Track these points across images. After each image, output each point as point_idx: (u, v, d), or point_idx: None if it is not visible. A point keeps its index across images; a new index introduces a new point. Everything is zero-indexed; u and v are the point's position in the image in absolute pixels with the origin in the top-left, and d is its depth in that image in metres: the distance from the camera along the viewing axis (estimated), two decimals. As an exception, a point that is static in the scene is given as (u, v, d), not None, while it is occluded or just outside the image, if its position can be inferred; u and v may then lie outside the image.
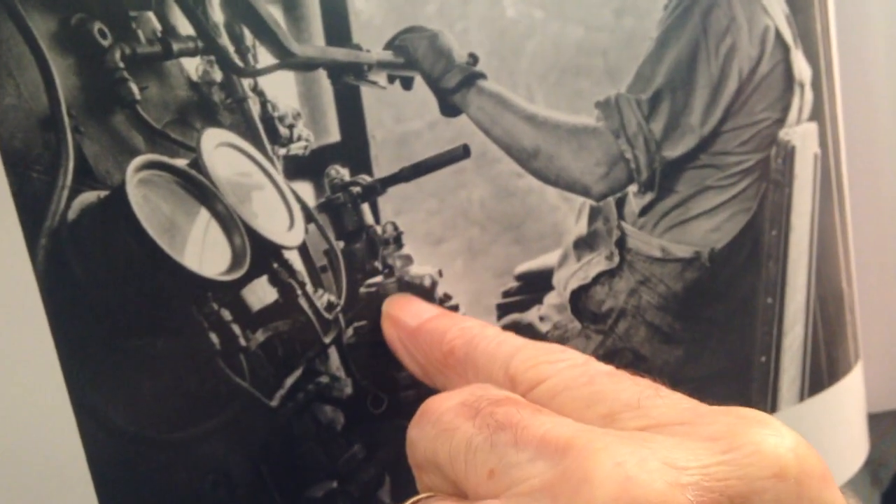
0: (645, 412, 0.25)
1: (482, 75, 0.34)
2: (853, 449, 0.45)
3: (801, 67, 0.39)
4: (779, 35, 0.38)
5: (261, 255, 0.31)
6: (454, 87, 0.33)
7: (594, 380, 0.26)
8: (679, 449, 0.22)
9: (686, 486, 0.21)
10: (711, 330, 0.39)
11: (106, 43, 0.28)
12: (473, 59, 0.33)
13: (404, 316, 0.33)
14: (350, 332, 0.33)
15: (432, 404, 0.28)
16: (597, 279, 0.37)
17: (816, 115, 0.41)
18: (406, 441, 0.29)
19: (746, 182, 0.38)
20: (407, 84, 0.33)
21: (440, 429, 0.27)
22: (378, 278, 0.34)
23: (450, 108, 0.34)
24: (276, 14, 0.30)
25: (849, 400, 0.44)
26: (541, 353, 0.29)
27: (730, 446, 0.22)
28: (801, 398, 0.41)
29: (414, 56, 0.33)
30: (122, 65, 0.28)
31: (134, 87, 0.29)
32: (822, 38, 0.41)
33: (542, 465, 0.23)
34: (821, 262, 0.41)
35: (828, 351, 0.42)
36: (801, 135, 0.40)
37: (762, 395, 0.40)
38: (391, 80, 0.33)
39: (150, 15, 0.29)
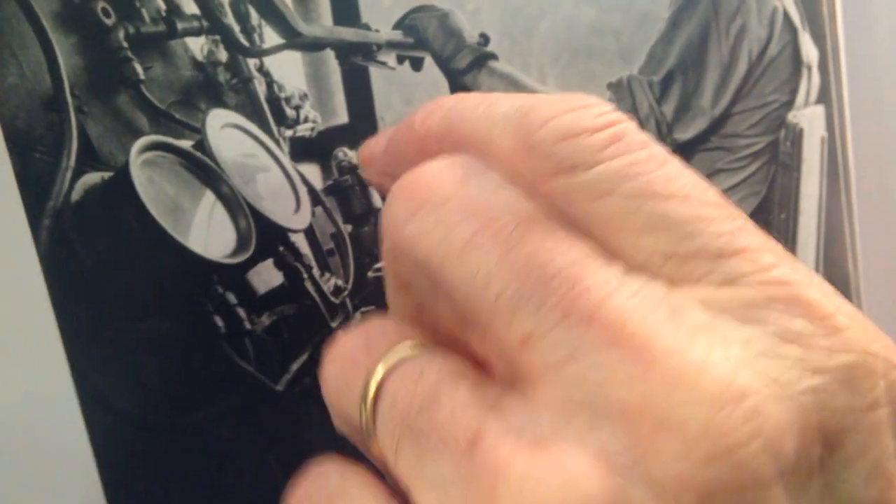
0: (727, 265, 0.19)
1: (493, 56, 0.33)
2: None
3: (809, 49, 0.39)
4: (787, 17, 0.38)
5: (266, 238, 0.31)
6: (465, 67, 0.33)
7: (654, 186, 0.19)
8: (777, 359, 0.18)
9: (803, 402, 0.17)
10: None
11: (110, 22, 0.28)
12: (485, 39, 0.33)
13: (370, 147, 0.26)
14: (357, 316, 0.33)
15: (428, 178, 0.21)
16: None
17: (823, 97, 0.41)
18: (384, 218, 0.21)
19: (756, 165, 0.38)
20: (417, 65, 0.33)
21: (449, 235, 0.20)
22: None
23: (460, 90, 0.33)
24: (282, -8, 0.30)
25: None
26: (569, 109, 0.20)
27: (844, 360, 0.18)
28: (809, 383, 0.41)
29: (424, 36, 0.32)
30: (125, 44, 0.28)
31: (138, 67, 0.28)
32: (828, 20, 0.41)
33: (611, 364, 0.18)
34: (828, 245, 0.41)
35: (835, 335, 0.42)
36: (808, 117, 0.39)
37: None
38: (400, 60, 0.33)
39: (155, -7, 0.28)
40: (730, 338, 0.18)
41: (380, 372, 0.20)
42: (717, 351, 0.18)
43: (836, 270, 0.42)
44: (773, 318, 0.18)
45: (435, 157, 0.21)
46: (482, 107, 0.22)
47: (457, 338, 0.21)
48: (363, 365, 0.21)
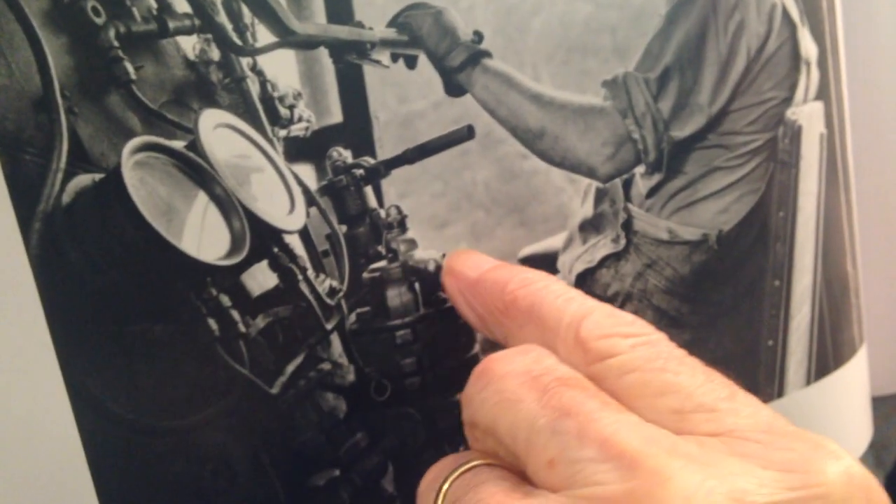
0: (719, 417, 0.25)
1: (488, 54, 0.33)
2: (857, 432, 0.45)
3: (808, 46, 0.39)
4: (786, 12, 0.38)
5: (261, 239, 0.31)
6: (459, 65, 0.33)
7: (668, 366, 0.26)
8: (749, 478, 0.23)
9: None
10: (719, 313, 0.39)
11: (100, 21, 0.27)
12: (479, 36, 0.33)
13: (464, 268, 0.32)
14: (353, 318, 0.33)
15: (494, 365, 0.28)
16: (602, 262, 0.37)
17: (822, 94, 0.40)
18: (462, 397, 0.28)
19: (755, 163, 0.38)
20: (411, 63, 0.33)
21: (502, 396, 0.26)
22: (381, 263, 0.33)
23: (454, 88, 0.33)
24: (275, -10, 0.30)
25: (853, 383, 0.44)
26: (614, 322, 0.28)
27: (802, 483, 0.23)
28: (808, 382, 0.41)
29: (418, 34, 0.32)
30: (116, 43, 0.28)
31: (129, 67, 0.28)
32: (827, 16, 0.41)
33: (606, 471, 0.23)
34: (827, 243, 0.41)
35: (833, 334, 0.42)
36: (807, 114, 0.39)
37: (769, 379, 0.40)
38: (394, 58, 0.32)
39: (146, -9, 0.28)
40: (716, 464, 0.23)
41: (444, 487, 0.27)
42: (725, 482, 0.22)
43: (834, 269, 0.42)
44: (773, 456, 0.23)
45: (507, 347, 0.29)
46: (560, 299, 0.29)
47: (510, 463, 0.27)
48: (434, 484, 0.27)
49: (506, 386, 0.27)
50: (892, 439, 0.53)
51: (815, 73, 0.40)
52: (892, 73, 0.51)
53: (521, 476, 0.26)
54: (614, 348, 0.27)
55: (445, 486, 0.27)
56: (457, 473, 0.27)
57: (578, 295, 0.29)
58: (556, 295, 0.29)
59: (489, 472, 0.27)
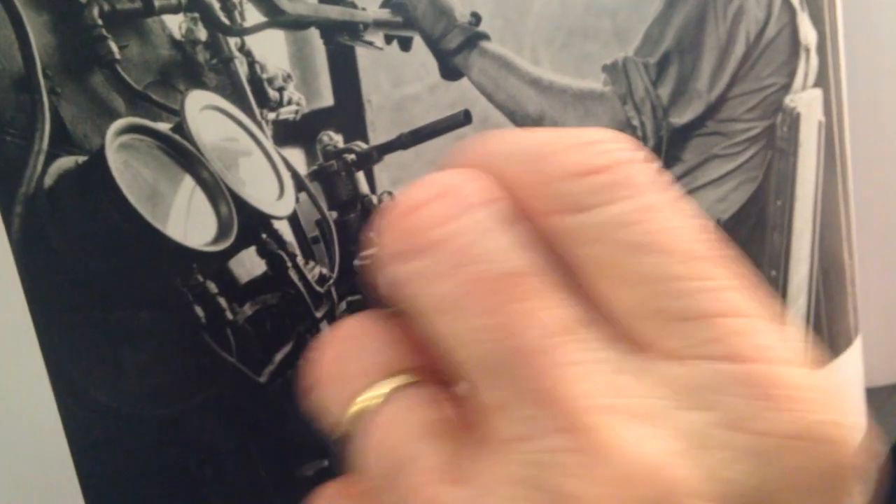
0: (704, 333, 0.19)
1: (485, 36, 0.33)
2: (853, 423, 0.45)
3: (807, 31, 0.39)
4: (786, -3, 0.38)
5: (248, 224, 0.30)
6: (455, 48, 0.32)
7: (650, 236, 0.20)
8: (701, 449, 0.19)
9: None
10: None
11: (83, -2, 0.27)
12: (476, 18, 0.32)
13: None
14: (343, 306, 0.33)
15: (420, 220, 0.21)
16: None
17: (821, 81, 0.40)
18: (372, 253, 0.22)
19: (753, 150, 0.37)
20: (405, 45, 0.32)
21: (439, 287, 0.21)
22: (373, 250, 0.33)
23: (451, 71, 0.33)
24: (265, -32, 0.29)
25: (849, 374, 0.44)
26: (583, 147, 0.21)
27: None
28: (804, 372, 0.41)
29: (413, 15, 0.32)
30: (100, 22, 0.27)
31: (113, 46, 0.28)
32: (827, 1, 0.41)
33: (550, 434, 0.19)
34: (824, 233, 0.41)
35: (829, 325, 0.42)
36: (806, 102, 0.39)
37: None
38: (388, 40, 0.32)
39: (131, -32, 0.28)
40: (676, 427, 0.19)
41: (364, 405, 0.22)
42: (659, 444, 0.19)
43: (831, 258, 0.42)
44: (723, 402, 0.19)
45: (434, 180, 0.22)
46: (511, 143, 0.22)
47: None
48: (352, 386, 0.22)
49: (440, 268, 0.21)
50: (887, 429, 0.53)
51: (814, 60, 0.39)
52: (891, 60, 0.51)
53: (451, 391, 0.22)
54: (578, 197, 0.21)
55: (353, 411, 0.22)
56: (374, 400, 0.22)
57: (536, 132, 0.23)
58: (510, 139, 0.23)
59: (417, 408, 0.21)
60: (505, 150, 0.22)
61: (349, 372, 0.23)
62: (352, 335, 0.23)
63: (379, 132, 0.32)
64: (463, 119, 0.33)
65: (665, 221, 0.20)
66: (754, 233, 0.38)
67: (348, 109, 0.32)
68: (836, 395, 0.20)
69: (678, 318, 0.20)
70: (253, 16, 0.30)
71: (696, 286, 0.20)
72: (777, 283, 0.39)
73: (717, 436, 0.19)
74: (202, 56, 0.29)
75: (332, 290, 0.33)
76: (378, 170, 0.33)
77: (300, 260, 0.32)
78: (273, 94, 0.30)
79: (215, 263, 0.30)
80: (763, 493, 0.19)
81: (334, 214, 0.33)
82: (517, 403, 0.20)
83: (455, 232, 0.21)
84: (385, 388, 0.22)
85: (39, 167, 0.27)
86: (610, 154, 0.21)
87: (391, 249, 0.21)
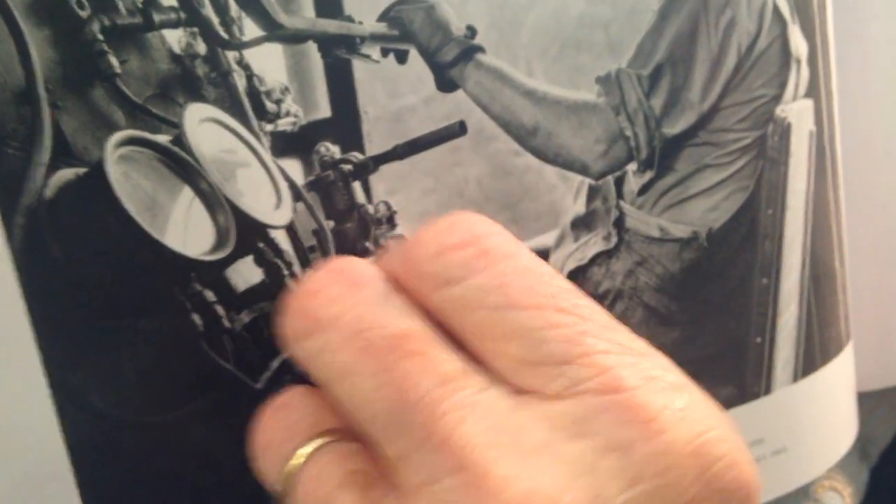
0: (568, 373, 0.21)
1: (481, 49, 0.33)
2: (844, 429, 0.45)
3: (798, 43, 0.39)
4: (777, 9, 0.38)
5: (246, 234, 0.30)
6: (451, 60, 0.32)
7: (512, 298, 0.22)
8: (572, 473, 0.20)
9: None
10: (707, 311, 0.38)
11: (84, 14, 0.27)
12: (472, 31, 0.32)
13: None
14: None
15: (314, 304, 0.24)
16: (594, 260, 0.36)
17: (812, 91, 0.40)
18: (280, 333, 0.25)
19: (744, 160, 0.38)
20: (401, 58, 0.32)
21: (332, 361, 0.23)
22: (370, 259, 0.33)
23: (446, 83, 0.33)
24: (263, -17, 0.29)
25: (840, 380, 0.44)
26: (445, 229, 0.24)
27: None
28: (795, 379, 0.41)
29: (409, 28, 0.32)
30: (101, 37, 0.27)
31: (114, 60, 0.28)
32: (818, 12, 0.41)
33: (459, 489, 0.20)
34: (815, 241, 0.41)
35: (820, 331, 0.42)
36: (797, 112, 0.39)
37: (757, 377, 0.40)
38: (385, 53, 0.32)
39: (131, -17, 0.28)
40: (561, 457, 0.20)
41: (292, 465, 0.24)
42: (547, 475, 0.20)
43: (822, 267, 0.42)
44: (601, 429, 0.21)
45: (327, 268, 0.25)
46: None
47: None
48: (282, 450, 0.24)
49: (335, 342, 0.23)
50: (877, 433, 0.54)
51: (804, 71, 0.39)
52: (882, 71, 0.51)
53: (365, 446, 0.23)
54: (449, 271, 0.23)
55: (288, 470, 0.24)
56: (302, 457, 0.24)
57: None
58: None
59: (341, 467, 0.23)
60: (388, 256, 0.25)
61: (278, 439, 0.25)
62: (282, 405, 0.26)
63: (375, 143, 0.32)
64: (458, 130, 0.33)
65: (530, 280, 0.23)
66: (746, 241, 0.39)
67: (345, 121, 0.32)
68: (716, 411, 0.22)
69: (556, 362, 0.22)
70: (251, 30, 0.30)
71: (568, 332, 0.22)
72: (768, 291, 0.40)
73: (600, 461, 0.20)
74: (201, 69, 0.29)
75: (329, 298, 0.33)
76: (374, 180, 0.33)
77: (297, 268, 0.32)
78: (271, 106, 0.31)
79: (213, 272, 0.30)
80: None
81: (331, 224, 0.33)
82: (415, 452, 0.21)
83: (346, 307, 0.23)
84: (309, 448, 0.24)
85: (40, 179, 0.27)
86: (466, 231, 0.23)
87: (293, 330, 0.24)
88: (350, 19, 0.31)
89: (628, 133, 0.35)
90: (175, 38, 0.29)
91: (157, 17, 0.28)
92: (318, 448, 0.24)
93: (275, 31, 0.30)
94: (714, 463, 0.20)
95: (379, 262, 0.25)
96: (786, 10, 0.38)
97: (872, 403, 0.53)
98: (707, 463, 0.20)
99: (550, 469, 0.20)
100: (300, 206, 0.32)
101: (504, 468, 0.20)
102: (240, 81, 0.30)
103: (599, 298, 0.37)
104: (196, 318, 0.30)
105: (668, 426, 0.20)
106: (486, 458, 0.20)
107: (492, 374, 0.23)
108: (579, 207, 0.36)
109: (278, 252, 0.31)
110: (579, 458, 0.20)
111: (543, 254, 0.36)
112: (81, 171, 0.27)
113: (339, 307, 0.23)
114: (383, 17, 0.31)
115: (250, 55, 0.30)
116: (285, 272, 0.31)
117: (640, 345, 0.23)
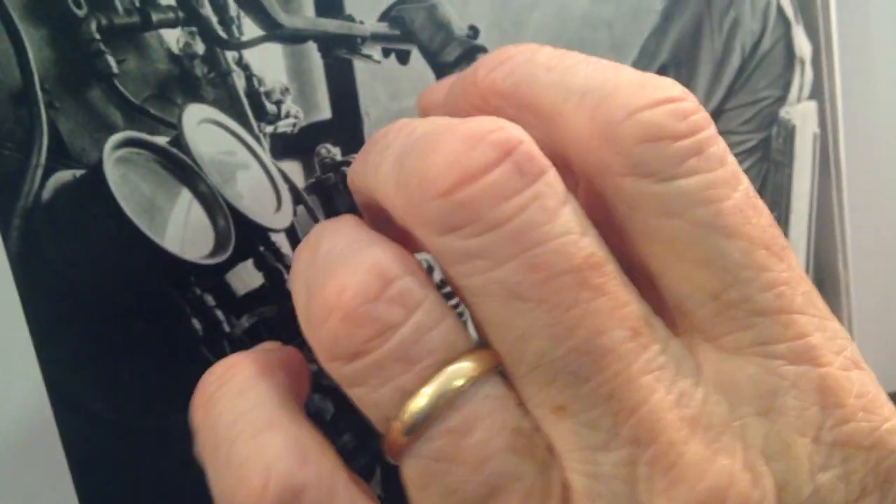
0: (768, 331, 0.19)
1: (483, 49, 0.32)
2: None
3: (802, 44, 0.39)
4: (780, 10, 0.37)
5: (246, 237, 0.30)
6: (453, 61, 0.32)
7: (725, 218, 0.19)
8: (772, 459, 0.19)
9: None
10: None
11: (81, 13, 0.27)
12: (474, 31, 0.32)
13: (429, 96, 0.25)
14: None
15: (481, 181, 0.18)
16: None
17: (816, 93, 0.40)
18: (410, 202, 0.19)
19: (749, 162, 0.37)
20: (403, 58, 0.32)
21: (497, 271, 0.18)
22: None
23: (449, 85, 0.32)
24: (263, -18, 0.29)
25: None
26: (661, 108, 0.19)
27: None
28: (799, 383, 0.41)
29: (411, 28, 0.31)
30: (98, 36, 0.27)
31: (111, 60, 0.27)
32: (822, 13, 0.40)
33: (642, 468, 0.18)
34: (819, 244, 0.41)
35: (825, 334, 0.42)
36: (801, 114, 0.39)
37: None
38: (386, 53, 0.32)
39: (129, -18, 0.28)
40: (751, 437, 0.19)
41: (422, 404, 0.19)
42: (738, 458, 0.18)
43: (826, 268, 0.42)
44: (792, 407, 0.19)
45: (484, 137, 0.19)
46: (556, 72, 0.20)
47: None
48: (398, 377, 0.19)
49: (500, 252, 0.18)
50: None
51: (808, 72, 0.39)
52: (885, 72, 0.51)
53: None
54: (657, 163, 0.19)
55: (415, 410, 0.19)
56: (439, 392, 0.19)
57: (579, 59, 0.21)
58: (549, 65, 0.21)
59: (500, 411, 0.19)
60: (555, 83, 0.20)
61: (413, 352, 0.19)
62: (403, 292, 0.19)
63: (377, 145, 0.32)
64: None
65: (743, 202, 0.19)
66: (750, 244, 0.38)
67: (346, 122, 0.31)
68: (886, 397, 0.20)
69: (753, 311, 0.19)
70: (251, 29, 0.29)
71: (773, 278, 0.19)
72: (772, 294, 0.39)
73: (790, 445, 0.19)
74: (200, 70, 0.29)
75: (330, 302, 0.32)
76: (375, 183, 0.32)
77: (297, 273, 0.32)
78: (271, 107, 0.30)
79: (213, 276, 0.30)
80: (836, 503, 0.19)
81: (332, 227, 0.32)
82: (591, 409, 0.18)
83: (522, 207, 0.19)
84: (437, 382, 0.19)
85: (37, 181, 0.26)
86: (691, 119, 0.19)
87: (445, 220, 0.19)
88: (351, 19, 0.31)
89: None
90: (173, 38, 0.29)
91: (155, 17, 0.28)
92: (460, 388, 0.19)
93: (274, 31, 0.29)
94: (888, 457, 0.19)
95: (559, 110, 0.20)
96: (789, 11, 0.38)
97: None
98: (882, 456, 0.19)
99: (741, 451, 0.19)
100: (301, 208, 0.31)
101: (697, 449, 0.18)
102: (239, 82, 0.30)
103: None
104: (196, 322, 0.29)
105: (853, 415, 0.19)
106: (678, 438, 0.18)
107: (668, 312, 0.20)
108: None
109: (279, 256, 0.31)
110: (770, 439, 0.19)
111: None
112: (79, 172, 0.27)
113: (510, 207, 0.18)
114: (384, 17, 0.31)
115: (250, 55, 0.30)
116: (285, 276, 0.31)
117: (824, 304, 0.20)
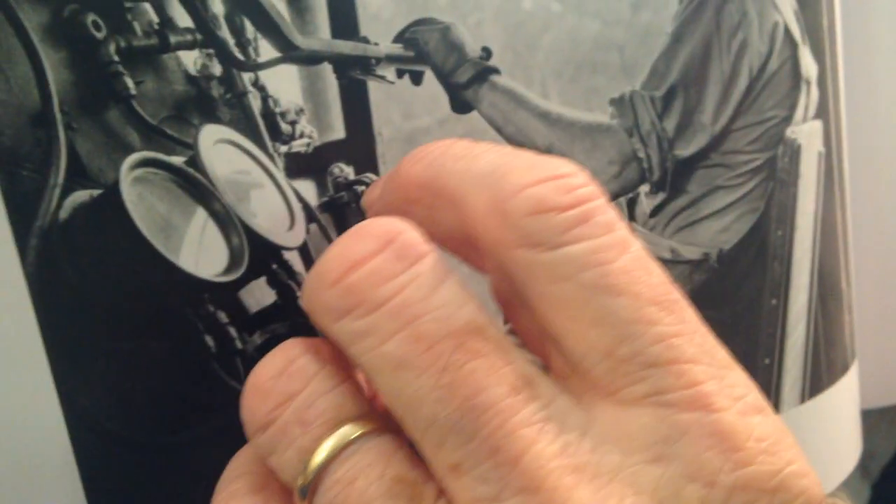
0: (659, 382, 0.19)
1: (496, 70, 0.33)
2: (848, 447, 0.45)
3: (808, 64, 0.39)
4: (787, 31, 0.38)
5: (259, 255, 0.30)
6: (466, 82, 0.32)
7: (611, 278, 0.20)
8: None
9: None
10: (717, 333, 0.38)
11: (100, 35, 0.27)
12: (487, 53, 0.32)
13: (370, 193, 0.27)
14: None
15: (358, 278, 0.20)
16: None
17: (821, 113, 0.40)
18: (307, 298, 0.22)
19: (755, 181, 0.38)
20: (417, 79, 0.32)
21: (383, 347, 0.20)
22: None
23: (461, 105, 0.33)
24: (278, 5, 0.29)
25: (845, 400, 0.44)
26: (548, 184, 0.21)
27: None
28: (802, 400, 0.41)
29: (425, 49, 0.32)
30: (116, 58, 0.27)
31: (129, 82, 0.28)
32: (828, 34, 0.41)
33: (519, 497, 0.19)
34: (823, 261, 0.41)
35: (827, 352, 0.42)
36: (806, 133, 0.39)
37: (765, 398, 0.40)
38: (400, 74, 0.32)
39: (147, 6, 0.28)
40: (642, 484, 0.19)
41: (318, 459, 0.21)
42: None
43: (829, 286, 0.42)
44: (685, 453, 0.19)
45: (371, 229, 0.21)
46: (463, 161, 0.22)
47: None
48: (297, 439, 0.21)
49: (384, 328, 0.20)
50: (879, 450, 0.54)
51: (814, 92, 0.39)
52: (889, 92, 0.52)
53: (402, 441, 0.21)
54: (545, 233, 0.20)
55: (314, 466, 0.21)
56: (330, 450, 0.21)
57: (486, 148, 0.22)
58: (458, 156, 0.22)
59: (381, 468, 0.20)
60: (460, 171, 0.22)
61: (288, 420, 0.22)
62: (286, 369, 0.22)
63: (389, 164, 0.32)
64: (472, 152, 0.33)
65: (630, 263, 0.20)
66: (756, 262, 0.39)
67: (359, 142, 0.32)
68: (793, 440, 0.20)
69: (645, 364, 0.20)
70: (267, 51, 0.29)
71: (663, 331, 0.20)
72: (777, 311, 0.39)
73: (682, 490, 0.19)
74: (216, 91, 0.29)
75: (342, 320, 0.32)
76: (389, 202, 0.33)
77: (310, 290, 0.32)
78: (286, 127, 0.30)
79: (226, 293, 0.30)
80: None
81: (345, 246, 0.33)
82: (478, 465, 0.19)
83: (397, 287, 0.20)
84: (333, 441, 0.21)
85: (55, 201, 0.27)
86: (576, 191, 0.21)
87: (329, 304, 0.21)
88: (365, 40, 0.31)
89: (641, 155, 0.35)
90: (191, 60, 0.29)
91: (172, 39, 0.28)
92: (349, 443, 0.21)
93: (290, 53, 0.30)
94: (793, 500, 0.20)
95: (453, 189, 0.22)
96: (796, 32, 0.38)
97: (874, 420, 0.53)
98: (786, 500, 0.19)
99: (631, 497, 0.19)
100: (314, 227, 0.32)
101: (583, 495, 0.19)
102: (255, 102, 0.30)
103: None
104: (209, 339, 0.29)
105: (752, 459, 0.19)
106: (563, 484, 0.19)
107: (556, 367, 0.21)
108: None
109: (291, 274, 0.31)
110: (661, 485, 0.19)
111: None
112: (96, 192, 0.27)
113: (390, 288, 0.20)
114: (399, 39, 0.31)
115: (266, 76, 0.30)
116: (298, 294, 0.31)
117: (724, 355, 0.21)
